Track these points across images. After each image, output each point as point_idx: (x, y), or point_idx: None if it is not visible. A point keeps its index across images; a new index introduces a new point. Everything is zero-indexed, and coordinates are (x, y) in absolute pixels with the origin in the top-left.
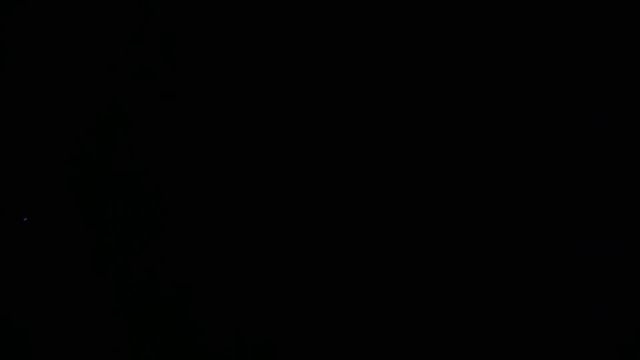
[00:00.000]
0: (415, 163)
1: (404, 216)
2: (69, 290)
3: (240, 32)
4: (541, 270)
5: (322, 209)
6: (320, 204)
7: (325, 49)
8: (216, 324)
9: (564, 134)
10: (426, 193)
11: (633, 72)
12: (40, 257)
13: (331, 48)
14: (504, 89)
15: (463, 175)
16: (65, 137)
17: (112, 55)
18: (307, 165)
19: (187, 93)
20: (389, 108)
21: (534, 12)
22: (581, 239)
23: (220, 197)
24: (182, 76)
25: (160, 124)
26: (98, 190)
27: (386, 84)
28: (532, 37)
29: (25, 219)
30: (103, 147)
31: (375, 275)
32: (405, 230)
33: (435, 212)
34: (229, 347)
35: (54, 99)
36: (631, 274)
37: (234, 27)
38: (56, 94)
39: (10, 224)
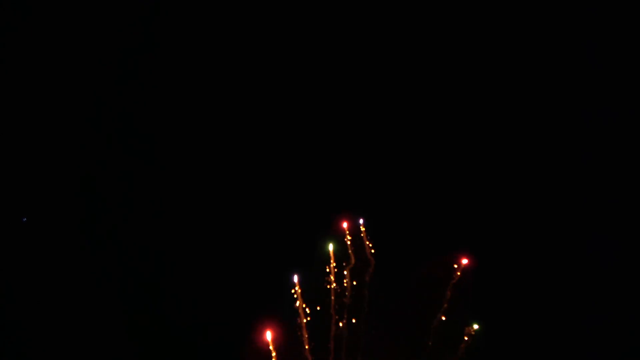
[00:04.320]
0: (419, 161)
1: (406, 211)
2: (68, 287)
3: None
4: (541, 271)
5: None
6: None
7: (321, 50)
8: (207, 322)
9: (564, 135)
10: (430, 190)
11: (631, 74)
12: (39, 256)
13: (327, 49)
14: (504, 90)
15: (464, 176)
16: (64, 139)
17: (115, 64)
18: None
19: (182, 97)
20: (388, 108)
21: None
22: (581, 240)
23: (213, 201)
24: (180, 83)
25: (156, 127)
26: (96, 193)
27: (385, 84)
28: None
29: (25, 219)
30: (102, 149)
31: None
32: (407, 223)
33: (436, 211)
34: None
35: (53, 102)
36: (630, 275)
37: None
38: (55, 96)
39: (10, 224)
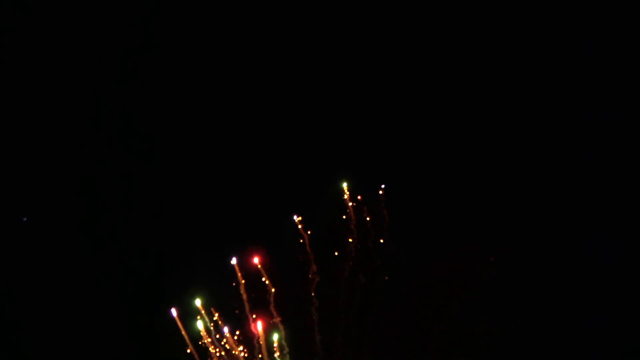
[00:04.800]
0: (419, 160)
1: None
2: (69, 287)
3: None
4: (540, 271)
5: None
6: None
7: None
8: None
9: (565, 136)
10: (431, 189)
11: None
12: (39, 256)
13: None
14: (504, 92)
15: (466, 175)
16: (64, 139)
17: (117, 68)
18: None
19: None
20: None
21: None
22: (581, 240)
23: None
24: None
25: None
26: (96, 193)
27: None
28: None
29: (25, 219)
30: (102, 149)
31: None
32: (406, 224)
33: (437, 210)
34: None
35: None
36: (631, 275)
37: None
38: (56, 97)
39: (10, 224)
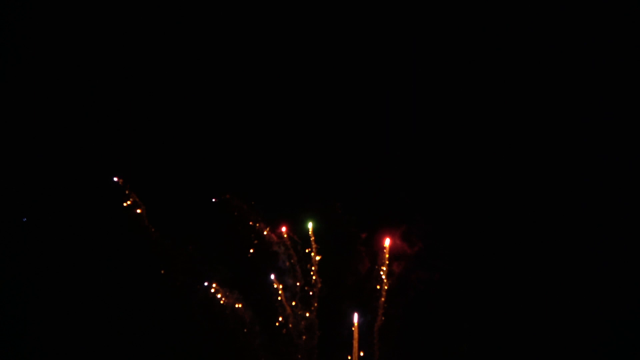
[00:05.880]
0: (420, 160)
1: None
2: (71, 288)
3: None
4: (541, 271)
5: None
6: None
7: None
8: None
9: (564, 135)
10: (431, 191)
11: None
12: (39, 256)
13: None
14: (505, 93)
15: (466, 174)
16: (64, 139)
17: (119, 70)
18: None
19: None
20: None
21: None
22: (581, 240)
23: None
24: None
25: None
26: (97, 193)
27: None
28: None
29: (25, 219)
30: (102, 149)
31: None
32: (408, 226)
33: (438, 211)
34: None
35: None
36: (631, 275)
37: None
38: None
39: (10, 224)
